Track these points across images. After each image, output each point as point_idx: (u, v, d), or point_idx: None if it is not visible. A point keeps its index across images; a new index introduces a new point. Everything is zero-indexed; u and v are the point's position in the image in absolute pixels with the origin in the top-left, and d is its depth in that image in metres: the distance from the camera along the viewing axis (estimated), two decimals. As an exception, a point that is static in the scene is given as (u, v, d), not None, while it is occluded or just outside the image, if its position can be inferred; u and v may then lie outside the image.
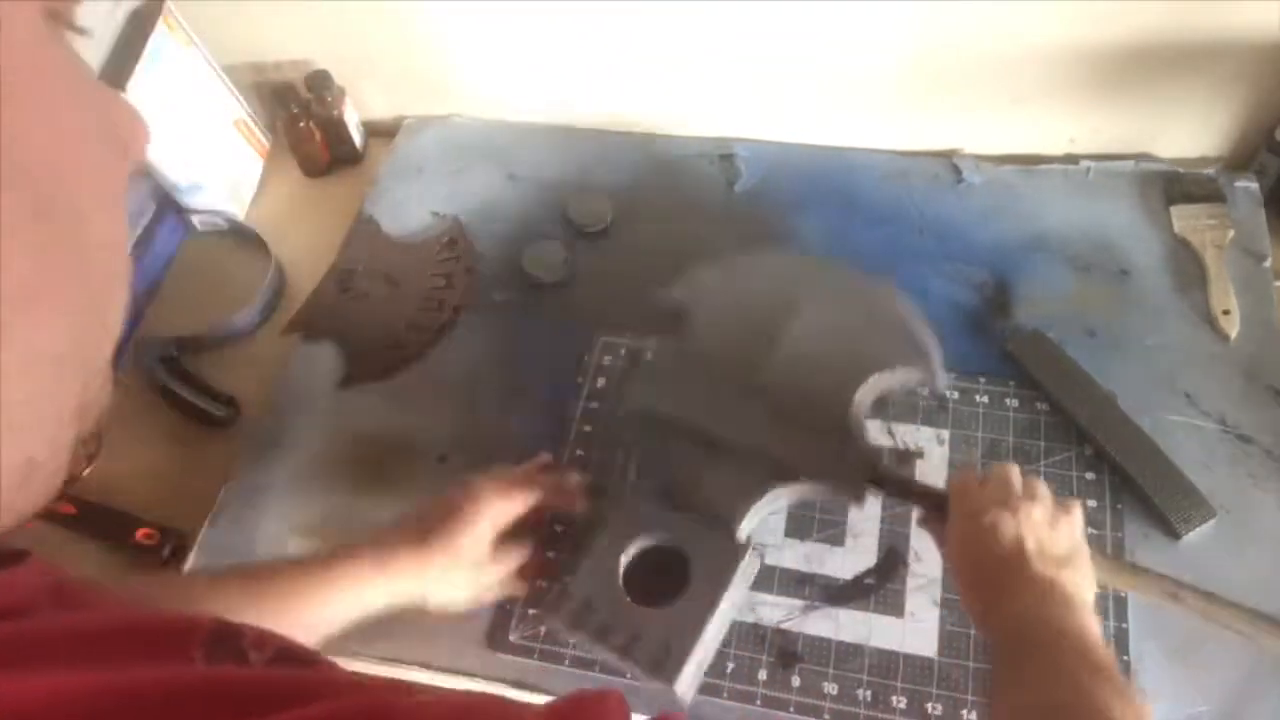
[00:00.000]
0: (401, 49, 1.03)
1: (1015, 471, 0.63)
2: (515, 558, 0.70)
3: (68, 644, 0.25)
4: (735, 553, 0.66)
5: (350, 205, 1.03)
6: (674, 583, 0.65)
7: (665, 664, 0.62)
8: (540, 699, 0.70)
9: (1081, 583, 0.58)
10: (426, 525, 0.67)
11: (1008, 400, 0.80)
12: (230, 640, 0.28)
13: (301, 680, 0.28)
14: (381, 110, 1.10)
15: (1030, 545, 0.58)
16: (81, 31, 0.26)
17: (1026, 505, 0.60)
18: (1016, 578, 0.57)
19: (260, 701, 0.25)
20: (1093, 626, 0.55)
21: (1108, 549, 0.72)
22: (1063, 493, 0.74)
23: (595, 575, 0.66)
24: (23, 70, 0.23)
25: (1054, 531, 0.60)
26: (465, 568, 0.67)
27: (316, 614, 0.63)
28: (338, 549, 0.65)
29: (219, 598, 0.60)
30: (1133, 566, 0.68)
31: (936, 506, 0.65)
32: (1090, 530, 0.73)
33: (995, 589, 0.58)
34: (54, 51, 0.25)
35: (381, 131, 1.10)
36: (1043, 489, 0.62)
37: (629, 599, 0.65)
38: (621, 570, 0.67)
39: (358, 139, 1.07)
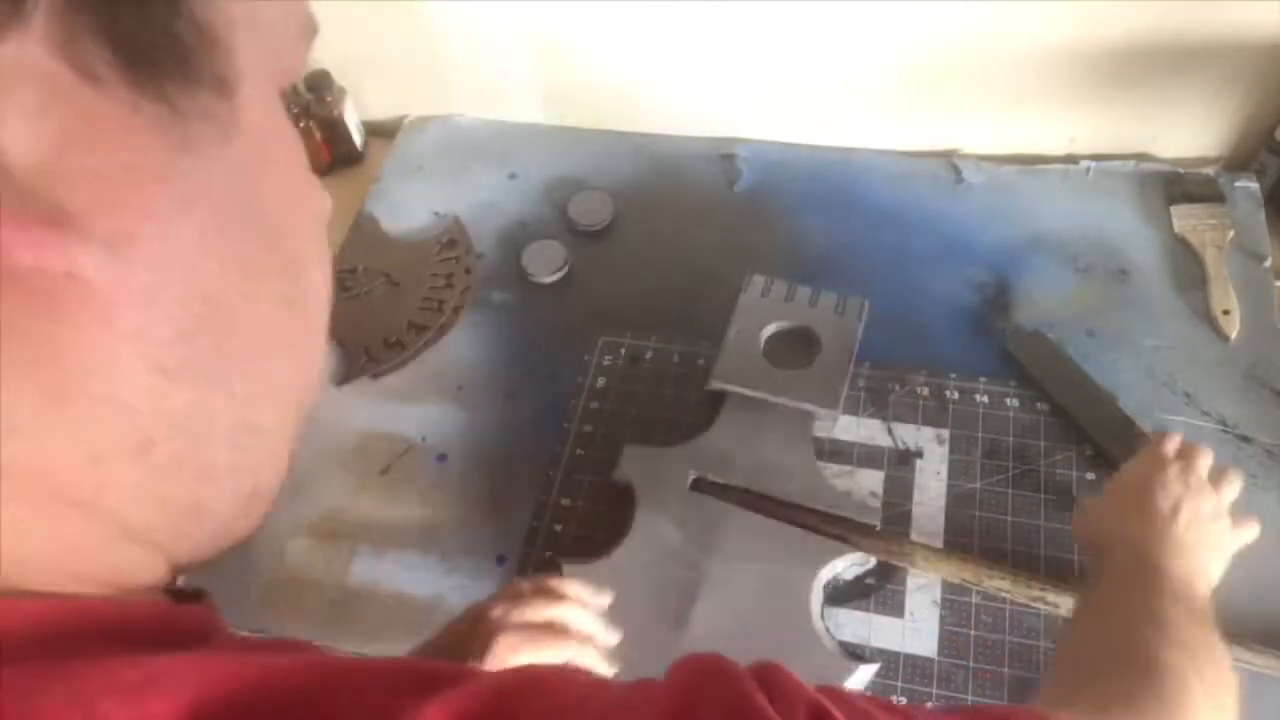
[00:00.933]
0: (401, 49, 1.03)
1: (1209, 457, 0.64)
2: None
3: (255, 653, 0.27)
4: None
5: (350, 205, 1.03)
6: None
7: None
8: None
9: (1210, 578, 0.60)
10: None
11: (1008, 400, 0.80)
12: None
13: (458, 668, 0.29)
14: (381, 110, 1.10)
15: (1182, 518, 0.60)
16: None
17: (1205, 491, 0.61)
18: (1158, 532, 0.58)
19: (434, 679, 0.26)
20: (1203, 590, 0.56)
21: (1108, 549, 0.72)
22: (1063, 493, 0.75)
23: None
24: (271, 141, 0.26)
25: (1212, 524, 0.61)
26: None
27: None
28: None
29: None
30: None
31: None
32: (1090, 530, 0.73)
33: (1135, 527, 0.59)
34: (284, 122, 0.27)
35: (381, 131, 1.10)
36: (1202, 466, 0.63)
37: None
38: None
39: (358, 139, 1.07)
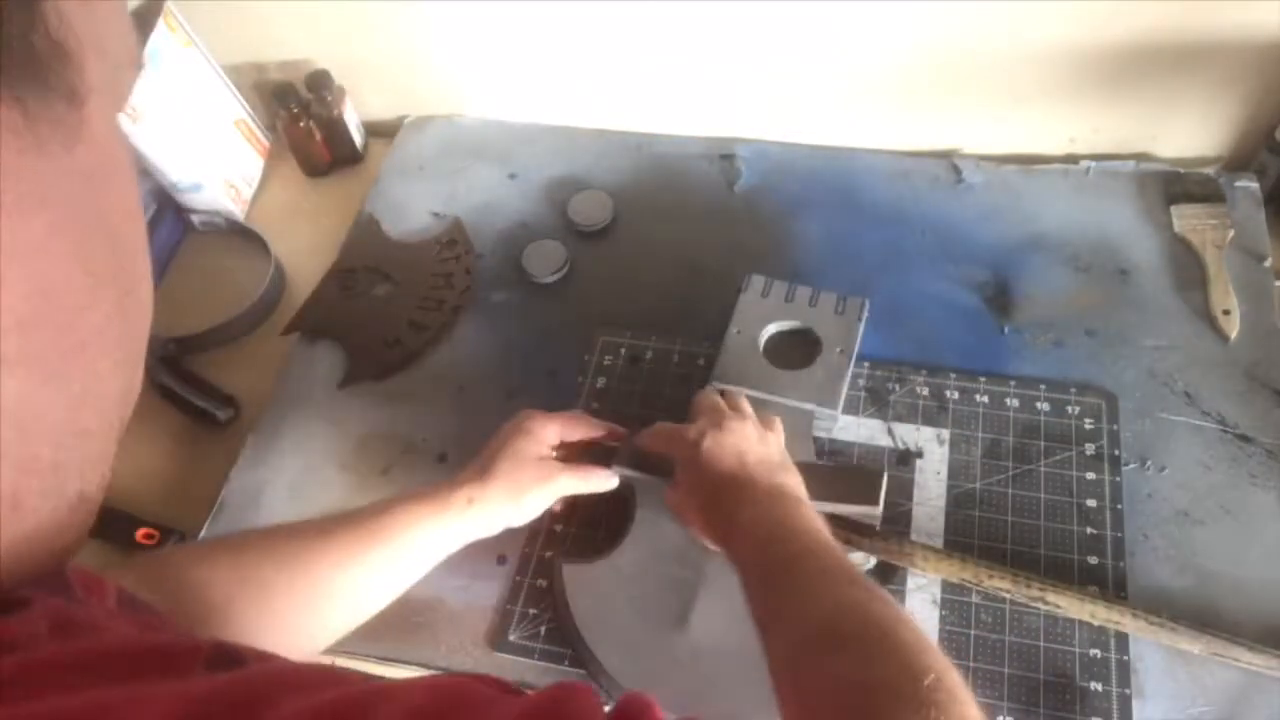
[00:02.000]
0: (401, 49, 1.03)
1: (715, 395, 0.71)
2: (572, 468, 0.72)
3: (66, 671, 0.26)
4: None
5: (350, 205, 1.03)
6: None
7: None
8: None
9: (799, 484, 0.65)
10: (483, 459, 0.70)
11: (1008, 400, 0.80)
12: (231, 658, 0.29)
13: (289, 674, 0.29)
14: (381, 110, 1.10)
15: (750, 457, 0.64)
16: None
17: (735, 421, 0.66)
18: (744, 488, 0.62)
19: (257, 699, 0.26)
20: (820, 523, 0.59)
21: (1107, 548, 0.72)
22: (1063, 493, 0.75)
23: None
24: (114, 155, 0.28)
25: (764, 445, 0.66)
26: (527, 481, 0.69)
27: (383, 574, 0.64)
28: (393, 502, 0.66)
29: (271, 562, 0.60)
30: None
31: (666, 471, 0.70)
32: (1089, 530, 0.73)
33: (729, 503, 0.62)
34: (124, 140, 0.30)
35: (381, 131, 1.10)
36: (746, 407, 0.70)
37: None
38: None
39: (358, 139, 1.07)
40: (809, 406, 0.77)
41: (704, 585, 0.70)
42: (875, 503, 0.69)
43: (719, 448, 0.65)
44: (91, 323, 0.27)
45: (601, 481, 0.73)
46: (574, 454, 0.74)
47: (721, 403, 0.70)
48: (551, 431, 0.72)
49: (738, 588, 0.69)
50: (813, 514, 0.60)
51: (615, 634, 0.69)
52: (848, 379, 0.79)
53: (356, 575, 0.63)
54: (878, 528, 0.72)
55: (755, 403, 0.77)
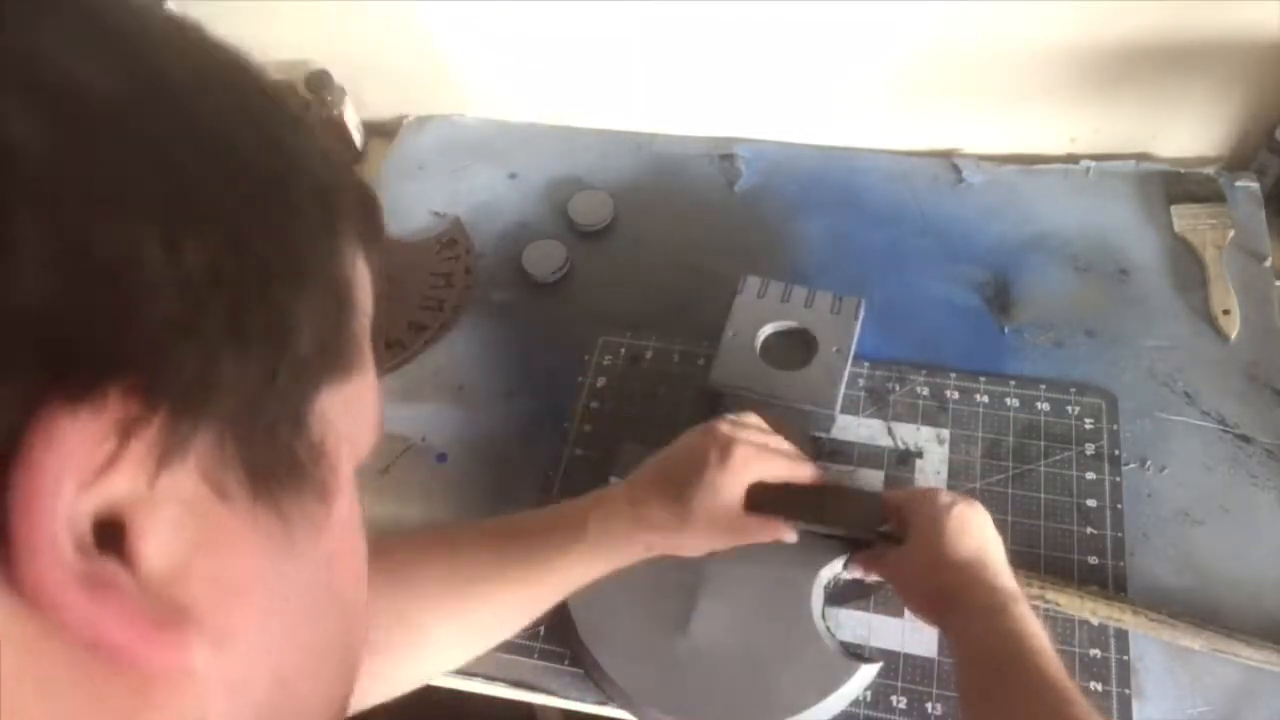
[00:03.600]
0: (401, 49, 1.03)
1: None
2: (763, 527, 0.65)
3: None
4: None
5: (350, 205, 1.03)
6: None
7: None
8: (540, 699, 0.71)
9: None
10: (680, 483, 0.61)
11: (1008, 400, 0.80)
12: None
13: None
14: (381, 110, 1.10)
15: (996, 545, 0.61)
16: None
17: (978, 505, 0.62)
18: (982, 578, 0.58)
19: None
20: (1040, 627, 0.56)
21: (1107, 548, 0.72)
22: (1063, 493, 0.75)
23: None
24: (351, 526, 0.28)
25: (980, 519, 0.62)
26: (718, 530, 0.62)
27: (570, 578, 0.61)
28: (591, 508, 0.61)
29: (471, 562, 0.59)
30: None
31: (880, 534, 0.66)
32: (1089, 530, 0.73)
33: (966, 590, 0.58)
34: (357, 501, 0.29)
35: (381, 131, 1.10)
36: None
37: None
38: None
39: (358, 139, 1.07)
40: (807, 407, 0.77)
41: (705, 588, 0.70)
42: (874, 530, 0.68)
43: (968, 522, 0.61)
44: (315, 693, 0.27)
45: (781, 538, 0.65)
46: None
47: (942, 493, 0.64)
48: (755, 471, 0.62)
49: (739, 591, 0.70)
50: (1033, 616, 0.57)
51: (615, 635, 0.69)
52: (845, 378, 0.79)
53: (519, 621, 0.62)
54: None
55: (752, 404, 0.77)
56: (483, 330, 0.91)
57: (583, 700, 0.69)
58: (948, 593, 0.59)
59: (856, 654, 0.68)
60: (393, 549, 0.58)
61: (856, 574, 0.71)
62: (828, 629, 0.69)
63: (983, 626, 0.56)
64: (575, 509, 0.62)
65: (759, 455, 0.63)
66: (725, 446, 0.62)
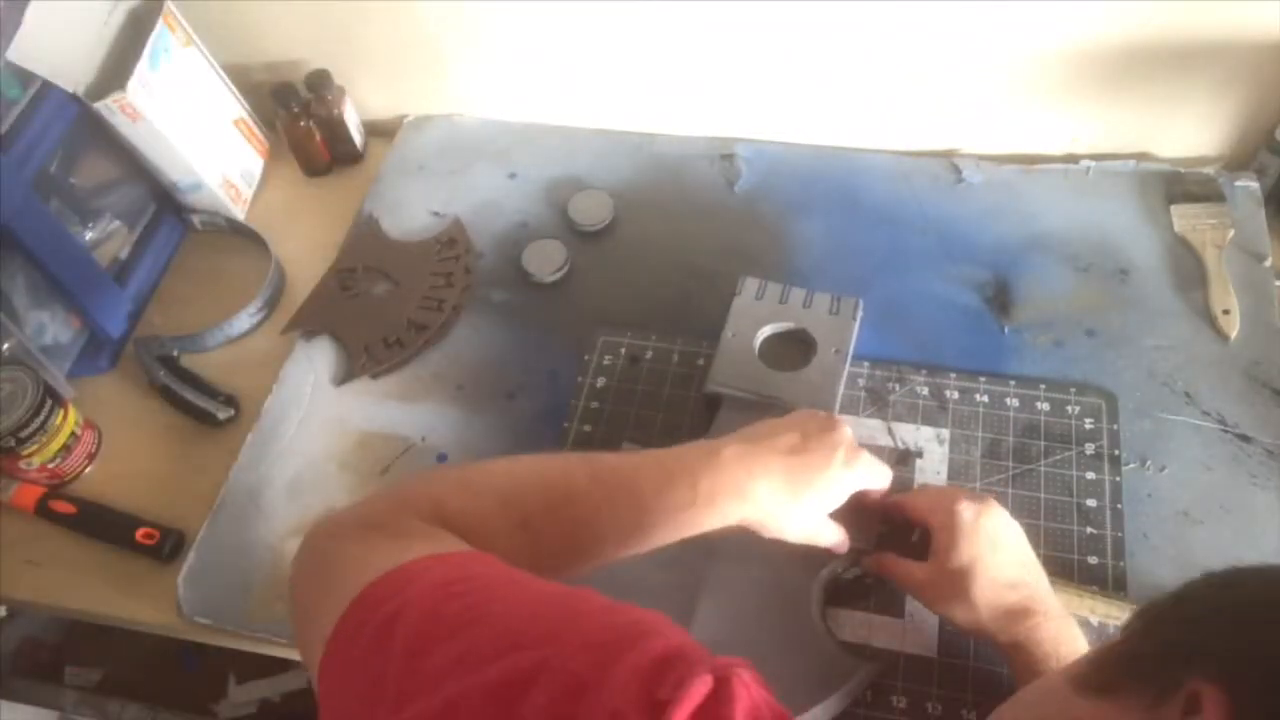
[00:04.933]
0: (401, 48, 1.03)
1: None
2: (835, 535, 0.66)
3: None
4: None
5: (350, 205, 1.03)
6: None
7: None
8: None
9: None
10: (799, 472, 0.60)
11: (1008, 400, 0.80)
12: None
13: None
14: (381, 110, 1.10)
15: (1030, 564, 0.64)
16: None
17: (999, 507, 0.64)
18: (1036, 598, 0.62)
19: None
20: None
21: (1107, 548, 0.72)
22: (1063, 493, 0.75)
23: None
24: None
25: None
26: (811, 526, 0.62)
27: (672, 538, 0.58)
28: (702, 471, 0.58)
29: (606, 488, 0.57)
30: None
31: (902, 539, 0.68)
32: (1089, 530, 0.73)
33: (1022, 608, 0.61)
34: None
35: (381, 131, 1.10)
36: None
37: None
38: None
39: (358, 139, 1.07)
40: (806, 407, 0.77)
41: (705, 588, 0.70)
42: (870, 542, 0.69)
43: (1000, 535, 0.62)
44: None
45: (842, 550, 0.67)
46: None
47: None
48: (864, 479, 0.63)
49: (739, 591, 0.70)
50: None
51: None
52: (844, 379, 0.79)
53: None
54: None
55: (751, 405, 0.77)
56: (483, 330, 0.91)
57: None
58: (1006, 609, 0.61)
59: (856, 654, 0.68)
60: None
61: (855, 573, 0.71)
62: (827, 629, 0.69)
63: (1052, 634, 0.60)
64: (685, 469, 0.58)
65: (874, 465, 0.64)
66: (852, 449, 0.63)
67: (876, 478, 0.65)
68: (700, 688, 0.34)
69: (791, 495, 0.60)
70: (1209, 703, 0.34)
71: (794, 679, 0.66)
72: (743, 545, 0.71)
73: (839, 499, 0.62)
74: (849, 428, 0.64)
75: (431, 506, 0.50)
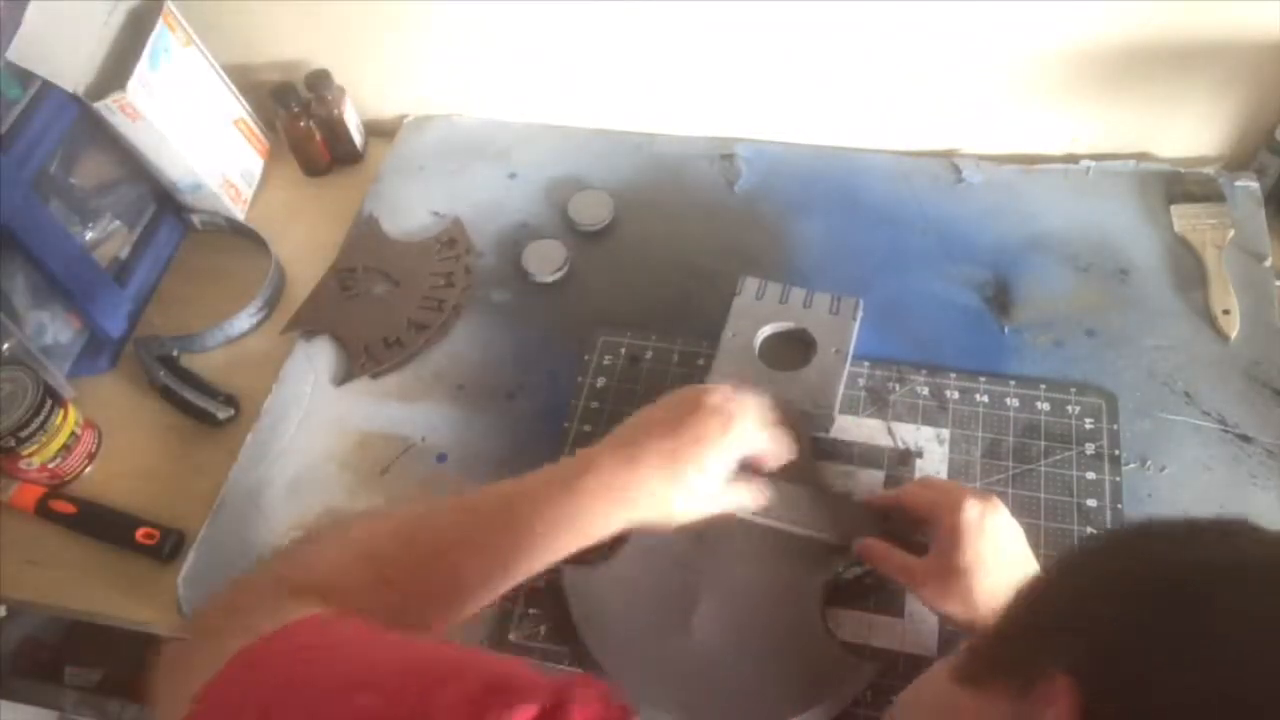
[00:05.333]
0: (401, 48, 1.03)
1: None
2: (750, 489, 0.66)
3: None
4: None
5: (350, 205, 1.03)
6: None
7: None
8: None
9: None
10: (677, 441, 0.60)
11: (1008, 400, 0.80)
12: None
13: None
14: (381, 110, 1.10)
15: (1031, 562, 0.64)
16: None
17: (999, 506, 0.63)
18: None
19: None
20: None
21: (1108, 549, 0.72)
22: (1063, 493, 0.75)
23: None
24: None
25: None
26: (709, 488, 0.62)
27: (560, 546, 0.58)
28: (583, 471, 0.58)
29: (467, 525, 0.56)
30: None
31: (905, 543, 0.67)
32: (1089, 530, 0.73)
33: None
34: None
35: (381, 131, 1.10)
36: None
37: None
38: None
39: (358, 139, 1.07)
40: (806, 407, 0.77)
41: (706, 590, 0.70)
42: (863, 535, 0.69)
43: (1001, 536, 0.62)
44: None
45: (747, 506, 0.67)
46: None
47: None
48: (749, 441, 0.63)
49: (739, 592, 0.70)
50: None
51: (616, 636, 0.69)
52: (844, 379, 0.79)
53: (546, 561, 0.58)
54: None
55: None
56: (483, 330, 0.91)
57: (583, 700, 0.69)
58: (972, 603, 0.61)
59: (856, 654, 0.68)
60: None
61: (857, 572, 0.71)
62: (827, 629, 0.69)
63: None
64: (560, 492, 0.58)
65: (761, 420, 0.64)
66: (727, 399, 0.63)
67: (764, 440, 0.64)
68: (527, 712, 0.33)
69: (672, 479, 0.59)
70: (1061, 695, 0.32)
71: (794, 679, 0.66)
72: (743, 545, 0.71)
73: (726, 465, 0.61)
74: (729, 389, 0.63)
75: (303, 574, 0.50)
